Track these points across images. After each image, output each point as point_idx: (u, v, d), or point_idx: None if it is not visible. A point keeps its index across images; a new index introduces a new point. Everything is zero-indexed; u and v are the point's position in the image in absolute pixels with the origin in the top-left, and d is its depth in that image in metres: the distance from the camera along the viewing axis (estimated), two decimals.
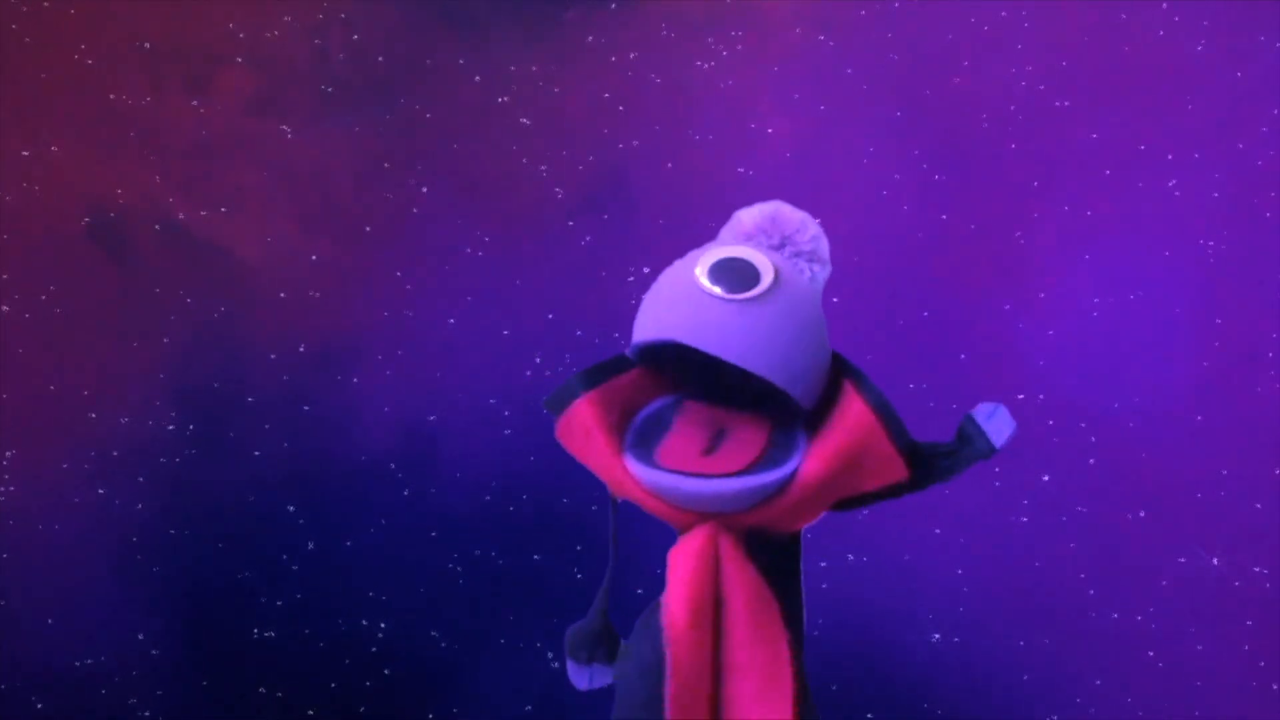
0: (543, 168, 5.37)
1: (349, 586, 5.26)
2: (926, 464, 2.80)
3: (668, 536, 2.86)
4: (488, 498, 5.27)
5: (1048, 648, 5.13)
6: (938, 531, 5.11)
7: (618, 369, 2.81)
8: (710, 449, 2.73)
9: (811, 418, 2.78)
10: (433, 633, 5.27)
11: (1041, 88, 5.28)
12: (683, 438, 2.75)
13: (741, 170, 5.34)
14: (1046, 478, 5.13)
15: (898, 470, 2.72)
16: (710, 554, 2.69)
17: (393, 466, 5.31)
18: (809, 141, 5.35)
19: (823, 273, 2.86)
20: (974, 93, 5.34)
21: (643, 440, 2.76)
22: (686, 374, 2.77)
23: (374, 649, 5.26)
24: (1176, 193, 5.20)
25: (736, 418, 2.77)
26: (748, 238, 2.81)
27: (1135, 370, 5.19)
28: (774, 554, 2.77)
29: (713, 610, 2.69)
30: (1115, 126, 5.22)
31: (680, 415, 2.79)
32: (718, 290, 2.62)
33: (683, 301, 2.64)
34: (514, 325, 5.29)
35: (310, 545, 5.27)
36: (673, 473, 2.69)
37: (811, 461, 2.70)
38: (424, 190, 5.38)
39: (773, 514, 2.72)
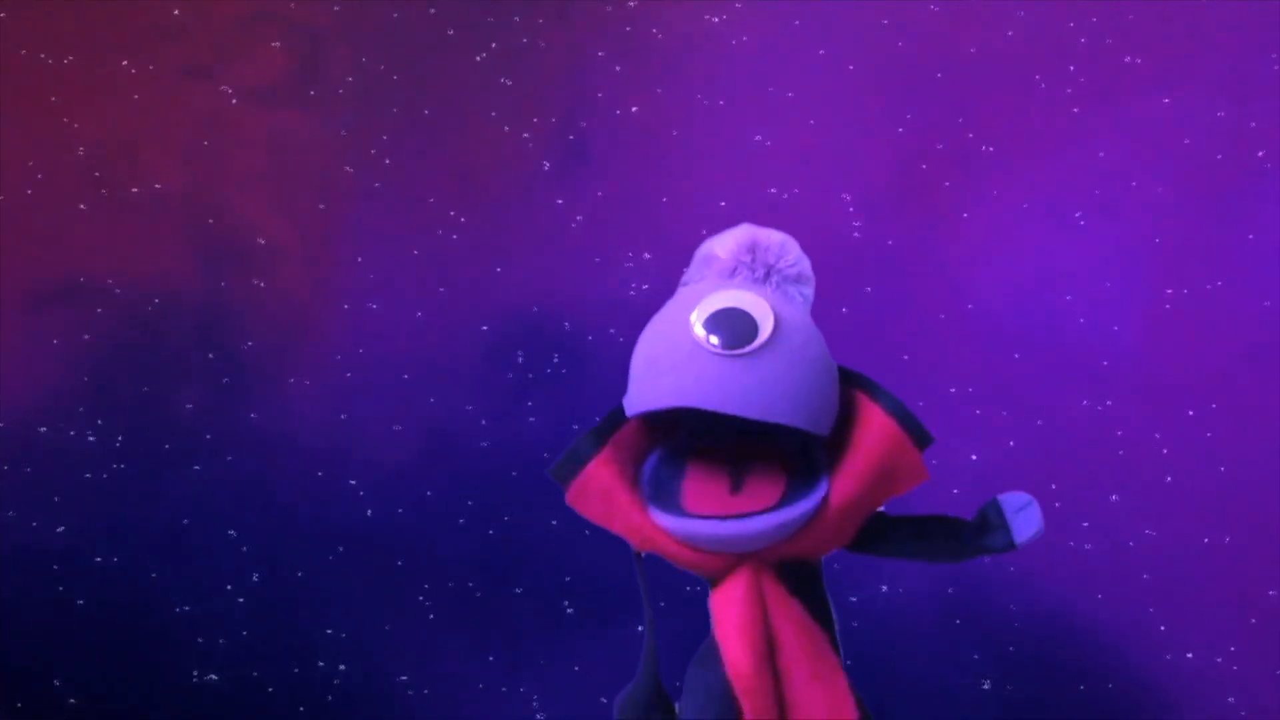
0: (526, 136, 5.37)
1: (302, 623, 5.23)
2: (939, 541, 3.07)
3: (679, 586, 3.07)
4: (462, 520, 5.24)
5: (1113, 694, 5.10)
6: (986, 560, 4.90)
7: (619, 421, 3.01)
8: (735, 488, 2.92)
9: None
10: (400, 677, 5.22)
11: (1108, 42, 5.27)
12: (703, 482, 2.94)
13: (758, 139, 5.32)
14: (1114, 498, 5.14)
15: (921, 474, 2.95)
16: (757, 595, 2.90)
17: (353, 484, 5.28)
18: (835, 107, 5.33)
19: (809, 290, 3.07)
20: (1027, 51, 5.31)
21: (660, 491, 2.95)
22: (696, 424, 2.97)
23: (330, 696, 5.23)
24: (1265, 166, 5.20)
25: (751, 452, 2.97)
26: (730, 273, 3.01)
27: (1216, 372, 5.15)
28: (804, 582, 2.98)
29: (770, 652, 2.90)
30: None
31: (693, 459, 2.98)
32: (721, 347, 2.84)
33: (687, 363, 2.85)
34: (493, 320, 5.28)
35: (256, 576, 5.24)
36: (706, 518, 2.89)
37: (843, 481, 2.91)
38: (388, 163, 5.37)
39: (810, 541, 2.92)
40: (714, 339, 2.83)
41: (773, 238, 3.04)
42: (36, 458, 5.22)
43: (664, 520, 2.90)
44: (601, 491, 2.96)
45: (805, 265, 3.05)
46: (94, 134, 5.36)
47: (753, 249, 3.01)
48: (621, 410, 2.98)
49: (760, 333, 2.84)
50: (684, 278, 3.07)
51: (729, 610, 2.91)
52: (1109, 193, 5.26)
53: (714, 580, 2.97)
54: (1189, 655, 5.06)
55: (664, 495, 2.93)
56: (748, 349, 2.82)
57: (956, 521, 3.04)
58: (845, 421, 2.95)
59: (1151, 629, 5.09)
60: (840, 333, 5.12)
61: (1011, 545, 3.03)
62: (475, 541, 5.22)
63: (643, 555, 3.02)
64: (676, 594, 3.08)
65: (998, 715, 5.08)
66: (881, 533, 3.02)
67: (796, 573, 2.96)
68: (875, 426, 2.93)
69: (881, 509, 3.01)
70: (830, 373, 2.94)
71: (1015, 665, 5.10)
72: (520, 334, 5.27)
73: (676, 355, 2.85)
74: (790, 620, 2.91)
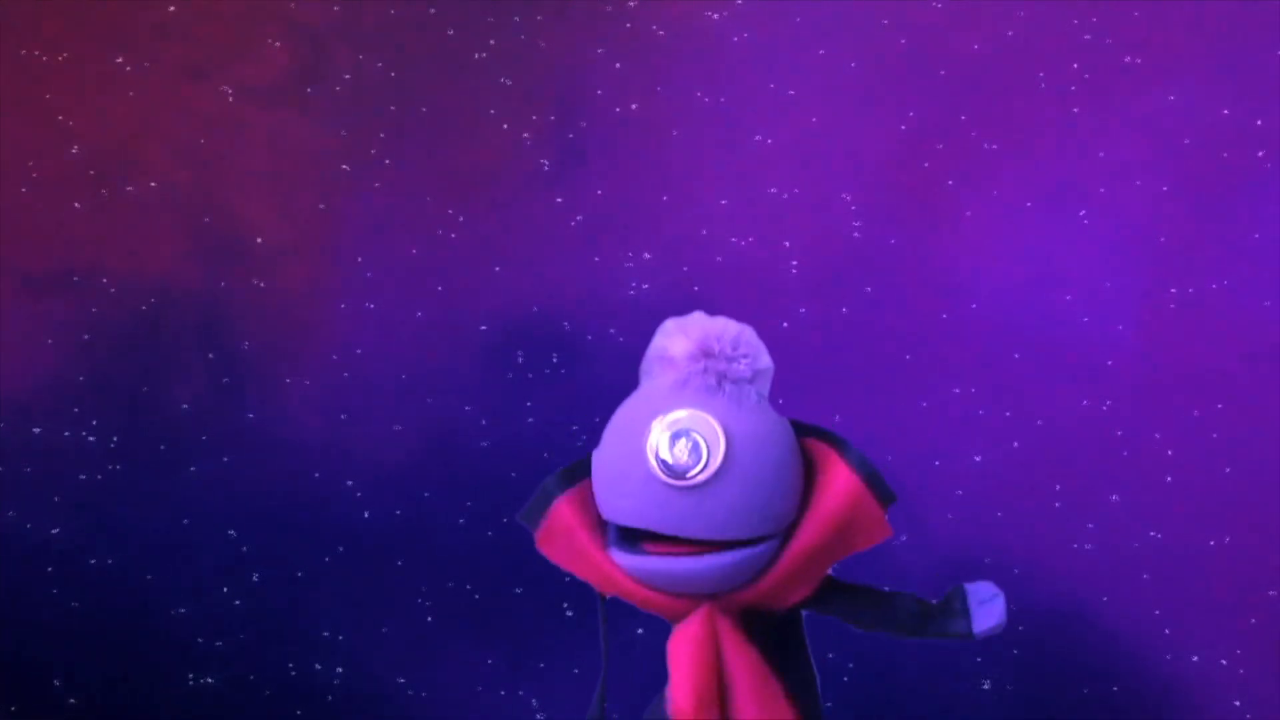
0: (525, 135, 5.34)
1: (300, 625, 5.22)
2: (901, 615, 3.13)
3: (655, 632, 3.12)
4: (462, 520, 5.22)
5: (1116, 698, 5.09)
6: (987, 560, 5.00)
7: (588, 470, 3.09)
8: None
9: None
10: (398, 679, 5.22)
11: (1110, 40, 5.25)
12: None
13: (758, 139, 5.30)
14: (1116, 498, 5.11)
15: (884, 531, 3.03)
16: (710, 638, 2.98)
17: (350, 484, 5.26)
18: (836, 106, 5.31)
19: (766, 381, 3.11)
20: (1029, 49, 5.29)
21: (625, 537, 3.01)
22: None
23: (329, 697, 5.22)
24: (1268, 165, 5.18)
25: None
26: (683, 385, 3.04)
27: (1219, 372, 5.13)
28: (773, 631, 3.05)
29: (718, 696, 2.97)
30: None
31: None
32: (672, 477, 2.93)
33: (642, 489, 2.95)
34: (493, 320, 5.26)
35: (255, 577, 5.23)
36: (662, 556, 2.96)
37: (802, 530, 2.99)
38: (386, 162, 5.35)
39: (766, 588, 2.99)
40: (667, 463, 2.92)
41: (726, 339, 3.05)
42: (32, 458, 5.20)
43: (622, 559, 2.98)
44: (565, 531, 3.04)
45: (761, 360, 3.07)
46: (90, 132, 5.34)
47: (705, 356, 3.02)
48: (589, 462, 3.07)
49: (710, 462, 2.92)
50: (644, 363, 3.10)
51: (679, 650, 2.98)
52: (1111, 191, 5.23)
53: (674, 623, 3.04)
54: (1194, 659, 5.05)
55: (627, 541, 2.99)
56: (698, 480, 2.91)
57: (921, 600, 3.11)
58: (808, 473, 3.03)
59: (1155, 631, 5.07)
60: (840, 333, 5.19)
61: (970, 635, 3.09)
62: (475, 542, 5.19)
63: (606, 599, 3.10)
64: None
65: (998, 716, 5.06)
66: (844, 595, 3.08)
67: (765, 621, 3.02)
68: (839, 481, 3.00)
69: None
70: (789, 469, 3.00)
71: (1016, 666, 5.07)
72: (520, 334, 5.25)
73: (633, 480, 2.95)
74: (745, 666, 2.98)
